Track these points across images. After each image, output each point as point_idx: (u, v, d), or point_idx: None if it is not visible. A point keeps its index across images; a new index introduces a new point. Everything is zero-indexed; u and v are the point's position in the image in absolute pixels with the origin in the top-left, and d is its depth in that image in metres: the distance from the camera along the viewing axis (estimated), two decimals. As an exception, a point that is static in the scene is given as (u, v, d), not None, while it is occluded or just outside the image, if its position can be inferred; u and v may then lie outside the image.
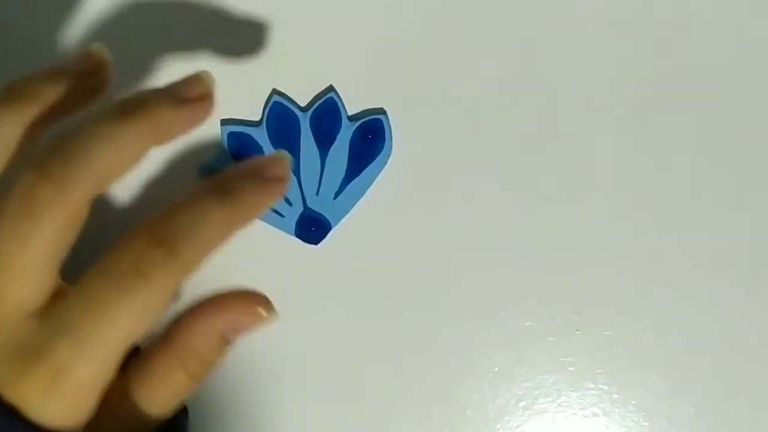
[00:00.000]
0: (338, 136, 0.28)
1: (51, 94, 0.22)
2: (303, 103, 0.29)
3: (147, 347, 0.23)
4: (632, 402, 0.29)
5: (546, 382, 0.29)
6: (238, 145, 0.28)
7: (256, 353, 0.29)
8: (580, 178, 0.29)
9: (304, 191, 0.29)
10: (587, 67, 0.29)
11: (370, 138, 0.28)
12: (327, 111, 0.28)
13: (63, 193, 0.20)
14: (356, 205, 0.29)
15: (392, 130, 0.29)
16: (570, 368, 0.29)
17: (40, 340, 0.20)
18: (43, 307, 0.20)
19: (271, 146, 0.28)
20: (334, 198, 0.29)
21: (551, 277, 0.29)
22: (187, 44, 0.29)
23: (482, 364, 0.29)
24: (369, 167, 0.28)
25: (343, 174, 0.29)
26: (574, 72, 0.29)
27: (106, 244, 0.20)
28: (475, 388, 0.29)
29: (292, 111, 0.28)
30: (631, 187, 0.29)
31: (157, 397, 0.23)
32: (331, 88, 0.29)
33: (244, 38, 0.29)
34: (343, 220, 0.29)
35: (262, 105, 0.29)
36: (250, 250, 0.29)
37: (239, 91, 0.29)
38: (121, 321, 0.20)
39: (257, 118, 0.29)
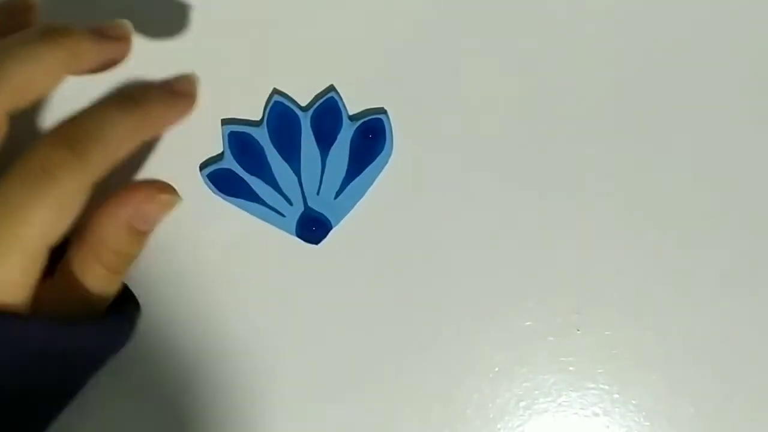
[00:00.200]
0: (339, 136, 0.28)
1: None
2: (304, 103, 0.29)
3: (70, 243, 0.24)
4: (633, 402, 0.29)
5: (546, 382, 0.29)
6: (238, 145, 0.28)
7: (256, 353, 0.29)
8: (580, 178, 0.29)
9: (305, 191, 0.29)
10: (588, 67, 0.29)
11: (371, 138, 0.28)
12: (328, 111, 0.28)
13: None
14: (357, 204, 0.29)
15: (393, 130, 0.29)
16: (570, 368, 0.29)
17: None
18: None
19: (272, 146, 0.28)
20: (335, 198, 0.29)
21: (551, 277, 0.29)
22: (188, 44, 0.29)
23: (482, 364, 0.29)
24: (370, 167, 0.28)
25: (343, 174, 0.28)
26: (575, 72, 0.29)
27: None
28: (475, 388, 0.29)
29: (293, 110, 0.28)
30: (631, 187, 0.29)
31: (83, 290, 0.24)
32: (331, 88, 0.29)
33: (244, 38, 0.29)
34: (343, 220, 0.29)
35: (263, 105, 0.29)
36: (250, 250, 0.29)
37: (240, 91, 0.29)
38: (34, 220, 0.21)
39: (258, 117, 0.29)
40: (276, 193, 0.29)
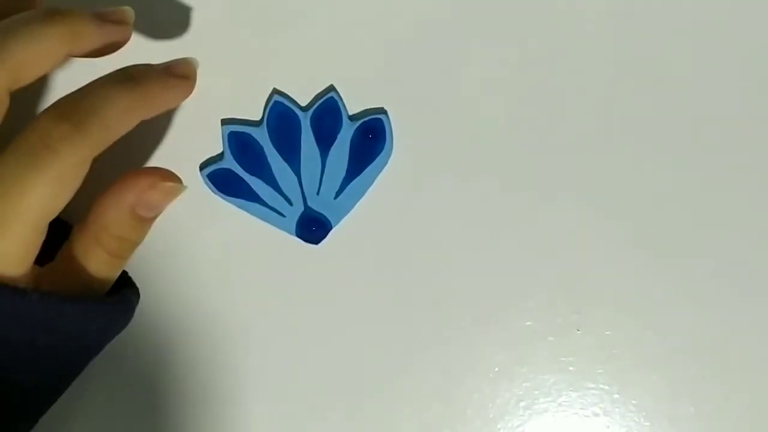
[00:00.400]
0: (339, 136, 0.28)
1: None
2: (304, 103, 0.29)
3: (75, 227, 0.24)
4: (633, 402, 0.29)
5: (546, 382, 0.29)
6: (238, 145, 0.28)
7: (256, 352, 0.29)
8: (580, 178, 0.29)
9: (305, 191, 0.29)
10: (589, 67, 0.29)
11: (371, 138, 0.28)
12: (328, 111, 0.28)
13: None
14: (357, 204, 0.29)
15: (393, 130, 0.29)
16: (570, 368, 0.29)
17: None
18: None
19: (271, 146, 0.28)
20: (335, 198, 0.29)
21: (551, 277, 0.29)
22: (188, 44, 0.29)
23: (482, 364, 0.29)
24: (369, 167, 0.28)
25: (343, 174, 0.28)
26: (576, 72, 0.29)
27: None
28: (475, 388, 0.29)
29: (293, 111, 0.28)
30: (631, 188, 0.29)
31: (83, 273, 0.24)
32: (331, 88, 0.29)
33: (244, 38, 0.29)
34: (343, 220, 0.29)
35: (263, 105, 0.29)
36: (250, 250, 0.29)
37: (240, 91, 0.29)
38: (34, 193, 0.21)
39: (258, 117, 0.29)
40: (276, 193, 0.29)
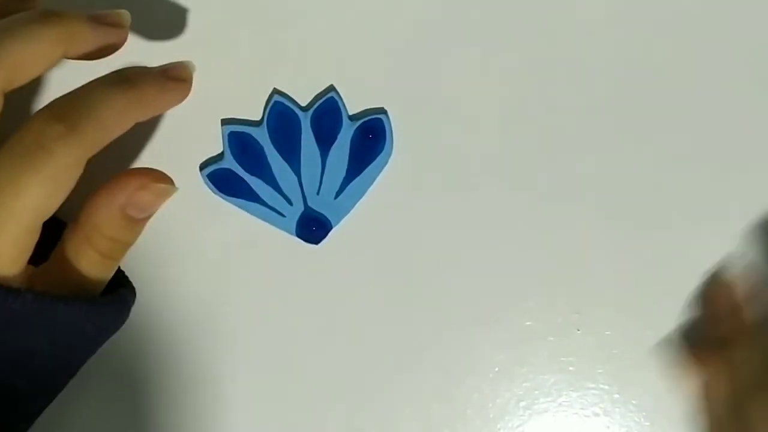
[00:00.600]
0: (339, 136, 0.28)
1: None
2: (304, 103, 0.29)
3: (67, 227, 0.24)
4: (633, 402, 0.29)
5: (546, 382, 0.29)
6: (238, 145, 0.28)
7: (256, 352, 0.29)
8: (580, 178, 0.29)
9: (305, 191, 0.29)
10: (589, 67, 0.29)
11: (371, 138, 0.28)
12: (328, 111, 0.28)
13: None
14: (357, 204, 0.29)
15: (393, 130, 0.29)
16: (570, 368, 0.29)
17: None
18: None
19: (272, 146, 0.28)
20: (335, 198, 0.29)
21: (551, 277, 0.29)
22: (188, 44, 0.29)
23: (482, 364, 0.29)
24: (370, 167, 0.28)
25: (343, 174, 0.28)
26: (576, 72, 0.29)
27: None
28: (475, 388, 0.29)
29: (293, 110, 0.28)
30: (631, 188, 0.29)
31: (76, 274, 0.24)
32: (331, 88, 0.29)
33: (244, 38, 0.29)
34: (343, 220, 0.29)
35: (263, 105, 0.29)
36: (250, 250, 0.29)
37: (240, 91, 0.29)
38: (28, 193, 0.21)
39: (258, 117, 0.29)
40: (276, 193, 0.29)
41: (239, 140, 0.28)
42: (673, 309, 0.29)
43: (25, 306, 0.22)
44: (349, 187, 0.29)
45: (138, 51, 0.28)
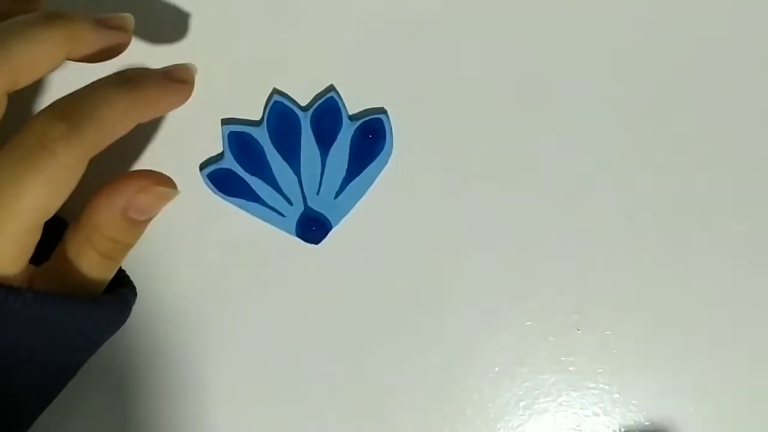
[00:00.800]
0: (339, 136, 0.28)
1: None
2: (304, 103, 0.29)
3: (68, 227, 0.24)
4: (633, 402, 0.29)
5: (546, 382, 0.29)
6: (238, 145, 0.28)
7: (256, 352, 0.29)
8: (580, 178, 0.29)
9: (305, 191, 0.29)
10: (588, 66, 0.29)
11: (371, 138, 0.28)
12: (328, 110, 0.28)
13: None
14: (357, 204, 0.29)
15: (393, 130, 0.29)
16: (570, 368, 0.29)
17: None
18: None
19: (271, 146, 0.28)
20: (335, 197, 0.29)
21: (551, 277, 0.29)
22: (188, 44, 0.29)
23: (482, 364, 0.29)
24: (369, 167, 0.28)
25: (343, 173, 0.28)
26: (575, 72, 0.29)
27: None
28: (475, 388, 0.29)
29: (293, 110, 0.28)
30: (631, 187, 0.29)
31: (77, 274, 0.24)
32: (331, 88, 0.29)
33: (244, 38, 0.29)
34: (343, 220, 0.29)
35: (263, 104, 0.29)
36: (250, 250, 0.29)
37: (240, 91, 0.29)
38: (30, 193, 0.21)
39: (258, 117, 0.29)
40: (276, 193, 0.29)
41: (239, 140, 0.28)
42: (673, 309, 0.29)
43: (25, 305, 0.22)
44: (349, 187, 0.29)
45: (138, 50, 0.28)
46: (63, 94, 0.23)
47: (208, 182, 0.28)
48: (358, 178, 0.29)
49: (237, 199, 0.28)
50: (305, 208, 0.29)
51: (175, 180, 0.25)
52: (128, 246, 0.25)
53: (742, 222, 0.29)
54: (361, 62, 0.29)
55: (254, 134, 0.28)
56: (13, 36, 0.22)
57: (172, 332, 0.29)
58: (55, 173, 0.22)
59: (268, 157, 0.28)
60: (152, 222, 0.25)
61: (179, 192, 0.25)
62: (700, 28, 0.29)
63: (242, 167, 0.28)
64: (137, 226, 0.24)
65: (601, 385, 0.29)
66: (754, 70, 0.29)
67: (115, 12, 0.25)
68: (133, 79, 0.24)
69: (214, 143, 0.29)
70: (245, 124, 0.29)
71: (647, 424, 0.29)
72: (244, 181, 0.28)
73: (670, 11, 0.29)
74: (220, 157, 0.29)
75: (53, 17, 0.23)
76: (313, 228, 0.29)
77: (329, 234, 0.29)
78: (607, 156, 0.29)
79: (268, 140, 0.28)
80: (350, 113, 0.29)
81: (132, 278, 0.27)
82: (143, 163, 0.29)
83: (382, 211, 0.29)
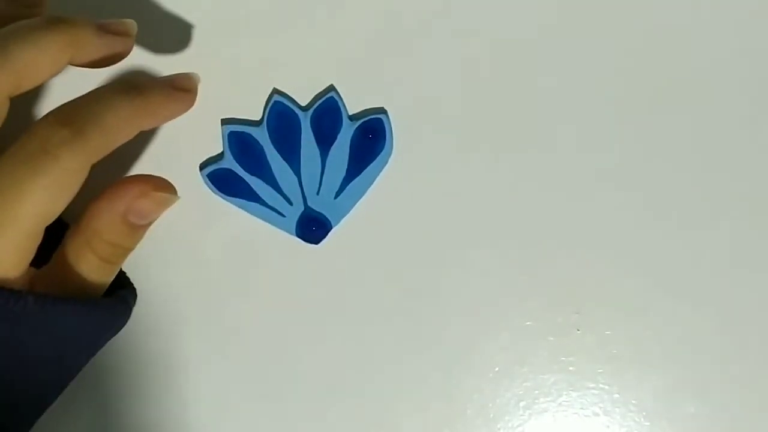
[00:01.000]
0: (339, 136, 0.28)
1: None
2: (304, 103, 0.29)
3: (68, 230, 0.24)
4: (633, 402, 0.29)
5: (546, 382, 0.29)
6: (238, 145, 0.28)
7: (256, 352, 0.29)
8: (580, 178, 0.29)
9: (305, 191, 0.29)
10: (588, 66, 0.29)
11: (371, 138, 0.28)
12: (328, 110, 0.28)
13: None
14: (357, 204, 0.29)
15: (393, 130, 0.29)
16: (570, 368, 0.29)
17: None
18: None
19: (271, 146, 0.28)
20: (335, 197, 0.29)
21: (551, 277, 0.29)
22: (188, 44, 0.29)
23: (482, 364, 0.29)
24: (370, 167, 0.28)
25: (343, 173, 0.28)
26: (575, 72, 0.29)
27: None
28: (475, 388, 0.29)
29: (293, 110, 0.28)
30: (631, 187, 0.29)
31: (76, 277, 0.24)
32: (331, 88, 0.29)
33: (244, 38, 0.29)
34: (343, 220, 0.29)
35: (263, 104, 0.29)
36: (250, 250, 0.29)
37: (240, 91, 0.29)
38: (32, 198, 0.21)
39: (258, 117, 0.29)
40: (276, 193, 0.29)
41: (239, 140, 0.28)
42: (673, 309, 0.29)
43: (26, 308, 0.22)
44: (349, 187, 0.29)
45: (138, 50, 0.28)
46: (64, 99, 0.23)
47: (208, 182, 0.28)
48: (358, 178, 0.29)
49: (237, 199, 0.28)
50: (305, 208, 0.29)
51: (175, 180, 0.25)
52: (128, 250, 0.25)
53: (742, 222, 0.29)
54: (361, 62, 0.29)
55: (254, 134, 0.28)
56: (16, 40, 0.22)
57: (172, 332, 0.29)
58: (57, 178, 0.22)
59: (268, 157, 0.28)
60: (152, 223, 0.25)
61: (179, 198, 0.25)
62: (699, 28, 0.29)
63: (242, 167, 0.28)
64: (137, 230, 0.25)
65: (601, 385, 0.29)
66: (755, 69, 0.29)
67: (114, 15, 0.25)
68: (137, 86, 0.24)
69: (214, 143, 0.29)
70: (245, 124, 0.29)
71: (647, 424, 0.29)
72: (244, 181, 0.28)
73: (671, 11, 0.29)
74: (220, 157, 0.29)
75: (56, 22, 0.23)
76: (313, 228, 0.29)
77: (329, 234, 0.29)
78: (607, 156, 0.29)
79: (268, 140, 0.28)
80: (350, 113, 0.29)
81: (131, 278, 0.27)
82: (143, 162, 0.29)
83: (382, 211, 0.29)
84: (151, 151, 0.29)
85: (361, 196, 0.29)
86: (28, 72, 0.22)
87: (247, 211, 0.29)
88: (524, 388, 0.29)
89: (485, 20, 0.29)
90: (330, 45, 0.29)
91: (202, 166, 0.29)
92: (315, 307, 0.29)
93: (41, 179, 0.21)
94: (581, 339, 0.29)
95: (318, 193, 0.29)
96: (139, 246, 0.25)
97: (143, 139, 0.29)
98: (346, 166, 0.28)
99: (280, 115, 0.28)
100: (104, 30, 0.24)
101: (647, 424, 0.29)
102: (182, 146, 0.29)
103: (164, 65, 0.28)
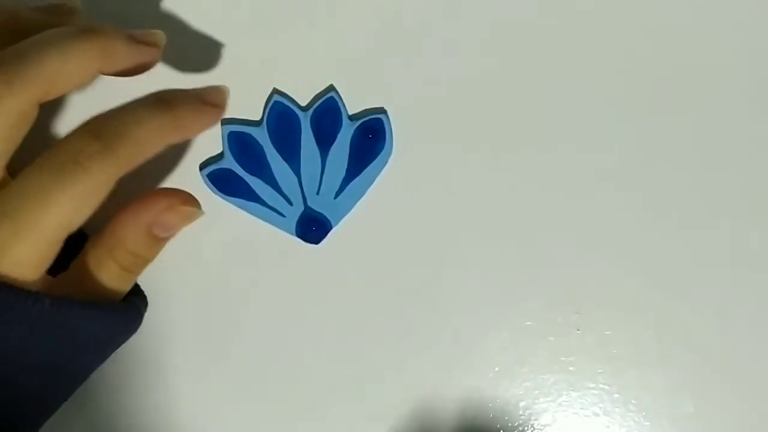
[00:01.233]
0: (339, 136, 0.28)
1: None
2: (303, 103, 0.29)
3: (89, 239, 0.25)
4: (632, 402, 0.29)
5: (546, 382, 0.29)
6: (238, 145, 0.28)
7: (256, 352, 0.29)
8: (580, 178, 0.29)
9: (305, 191, 0.29)
10: (588, 66, 0.29)
11: (371, 137, 0.28)
12: (327, 110, 0.28)
13: (9, 90, 0.22)
14: (357, 204, 0.29)
15: (392, 130, 0.29)
16: (570, 368, 0.29)
17: None
18: None
19: (271, 146, 0.28)
20: (335, 197, 0.29)
21: (551, 277, 0.29)
22: (188, 43, 0.29)
23: (482, 364, 0.29)
24: (369, 167, 0.28)
25: (343, 173, 0.28)
26: (575, 72, 0.29)
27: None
28: (475, 388, 0.29)
29: (293, 110, 0.28)
30: (631, 188, 0.29)
31: (95, 284, 0.24)
32: (331, 88, 0.29)
33: (244, 38, 0.29)
34: (343, 220, 0.29)
35: (263, 104, 0.29)
36: (250, 250, 0.29)
37: (240, 91, 0.29)
38: (56, 207, 0.22)
39: (258, 117, 0.29)
40: (276, 193, 0.29)
41: (239, 140, 0.28)
42: (673, 309, 0.29)
43: (42, 310, 0.22)
44: (349, 187, 0.29)
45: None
46: (85, 106, 0.23)
47: (208, 182, 0.28)
48: (358, 178, 0.29)
49: (237, 199, 0.28)
50: (305, 208, 0.29)
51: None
52: (147, 261, 0.25)
53: (742, 222, 0.29)
54: (361, 62, 0.29)
55: (254, 134, 0.28)
56: (48, 48, 0.22)
57: (172, 332, 0.29)
58: (85, 189, 0.22)
59: (268, 157, 0.28)
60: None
61: (203, 213, 0.25)
62: (699, 28, 0.29)
63: (242, 167, 0.28)
64: (159, 242, 0.25)
65: (601, 385, 0.29)
66: (755, 70, 0.29)
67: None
68: (167, 101, 0.24)
69: (214, 143, 0.29)
70: (245, 124, 0.29)
71: (647, 424, 0.29)
72: (244, 181, 0.28)
73: (671, 11, 0.29)
74: (220, 157, 0.29)
75: (88, 31, 0.23)
76: (313, 228, 0.29)
77: (329, 234, 0.29)
78: (607, 156, 0.29)
79: (268, 140, 0.28)
80: (350, 113, 0.29)
81: (140, 286, 0.28)
82: (143, 162, 0.29)
83: (382, 211, 0.29)
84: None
85: (361, 196, 0.29)
86: (58, 79, 0.23)
87: (247, 211, 0.29)
88: (524, 388, 0.29)
89: (485, 20, 0.29)
90: (330, 45, 0.29)
91: (202, 166, 0.29)
92: (315, 306, 0.29)
93: (69, 189, 0.22)
94: (581, 339, 0.29)
95: (318, 193, 0.29)
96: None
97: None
98: (346, 166, 0.28)
99: (280, 115, 0.28)
100: (134, 40, 0.24)
101: (647, 424, 0.29)
102: (182, 146, 0.29)
103: (164, 65, 0.28)
